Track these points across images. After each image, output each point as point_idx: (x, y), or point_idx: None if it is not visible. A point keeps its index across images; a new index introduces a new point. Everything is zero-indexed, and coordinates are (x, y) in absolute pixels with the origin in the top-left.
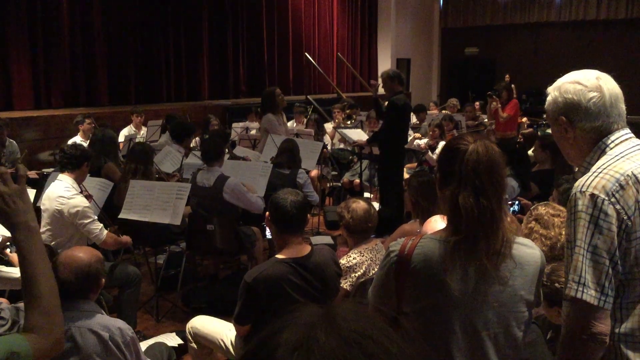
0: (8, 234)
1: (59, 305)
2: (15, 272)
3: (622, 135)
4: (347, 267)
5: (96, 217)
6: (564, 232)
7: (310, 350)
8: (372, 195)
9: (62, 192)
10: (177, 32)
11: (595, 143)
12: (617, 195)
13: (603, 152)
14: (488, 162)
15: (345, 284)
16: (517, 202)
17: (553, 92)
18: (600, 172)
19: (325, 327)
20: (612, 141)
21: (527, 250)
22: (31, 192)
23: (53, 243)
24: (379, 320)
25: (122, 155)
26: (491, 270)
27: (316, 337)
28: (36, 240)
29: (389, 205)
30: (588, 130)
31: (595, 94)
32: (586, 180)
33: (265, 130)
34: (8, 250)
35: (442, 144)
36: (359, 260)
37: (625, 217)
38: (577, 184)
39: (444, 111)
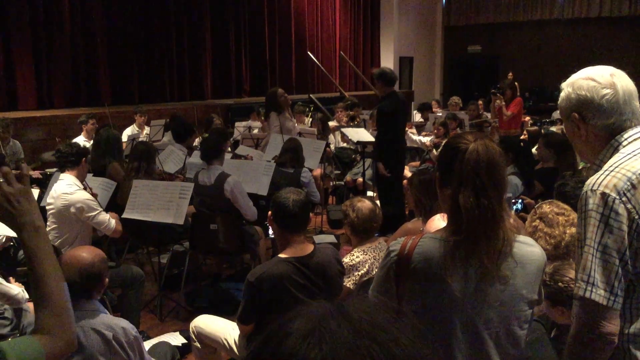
0: (12, 233)
1: (69, 306)
2: (14, 289)
3: (635, 133)
4: (350, 265)
5: (102, 209)
6: (568, 231)
7: (322, 338)
8: (375, 194)
9: (65, 189)
10: (179, 31)
11: (607, 140)
12: (628, 195)
13: (616, 150)
14: (488, 162)
15: (349, 283)
16: (520, 201)
17: (566, 88)
18: (611, 171)
19: (337, 317)
20: (625, 139)
21: (528, 248)
22: (34, 192)
23: (58, 242)
24: (390, 314)
25: (125, 155)
26: (492, 270)
27: (328, 326)
28: (43, 239)
29: (389, 204)
30: (600, 127)
31: (608, 90)
32: (597, 179)
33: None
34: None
35: None
36: (362, 259)
37: (637, 217)
38: (588, 182)
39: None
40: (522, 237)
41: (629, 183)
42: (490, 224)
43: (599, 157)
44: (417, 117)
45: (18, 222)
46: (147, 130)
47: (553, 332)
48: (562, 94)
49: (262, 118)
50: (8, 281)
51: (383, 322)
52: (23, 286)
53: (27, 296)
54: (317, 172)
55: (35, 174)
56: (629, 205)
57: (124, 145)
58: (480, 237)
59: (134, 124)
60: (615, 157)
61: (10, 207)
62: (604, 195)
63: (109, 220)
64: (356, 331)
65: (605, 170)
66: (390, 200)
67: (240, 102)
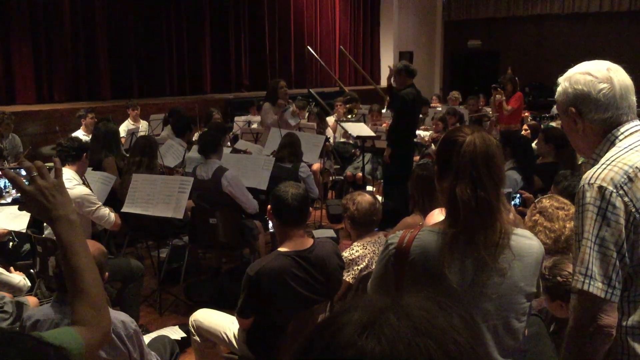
0: (10, 228)
1: (104, 297)
2: (15, 278)
3: (632, 127)
4: (349, 259)
5: (101, 203)
6: (568, 225)
7: (382, 330)
8: (374, 189)
9: (65, 183)
10: (179, 25)
11: (604, 135)
12: (625, 188)
13: (612, 144)
14: (485, 154)
15: (348, 277)
16: (518, 196)
17: (563, 82)
18: (608, 164)
19: (397, 311)
20: (622, 133)
21: (526, 241)
22: None
23: None
24: (448, 314)
25: (124, 149)
26: (489, 262)
27: (388, 318)
28: (77, 233)
29: (392, 199)
30: (597, 121)
31: (605, 85)
32: (594, 173)
33: (265, 121)
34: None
35: None
36: (362, 253)
37: (634, 210)
38: (585, 176)
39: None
40: (520, 230)
41: (625, 176)
42: (487, 216)
43: (596, 152)
44: None
45: (53, 216)
46: (142, 123)
47: (552, 326)
48: (559, 89)
49: None
50: (9, 271)
51: (442, 322)
52: (23, 274)
53: (29, 284)
54: (317, 166)
55: None
56: (625, 199)
57: (123, 139)
58: (478, 228)
59: (128, 119)
60: (612, 151)
61: (45, 200)
62: (601, 189)
63: (108, 214)
64: (415, 328)
65: (602, 164)
66: (393, 195)
67: (239, 96)
